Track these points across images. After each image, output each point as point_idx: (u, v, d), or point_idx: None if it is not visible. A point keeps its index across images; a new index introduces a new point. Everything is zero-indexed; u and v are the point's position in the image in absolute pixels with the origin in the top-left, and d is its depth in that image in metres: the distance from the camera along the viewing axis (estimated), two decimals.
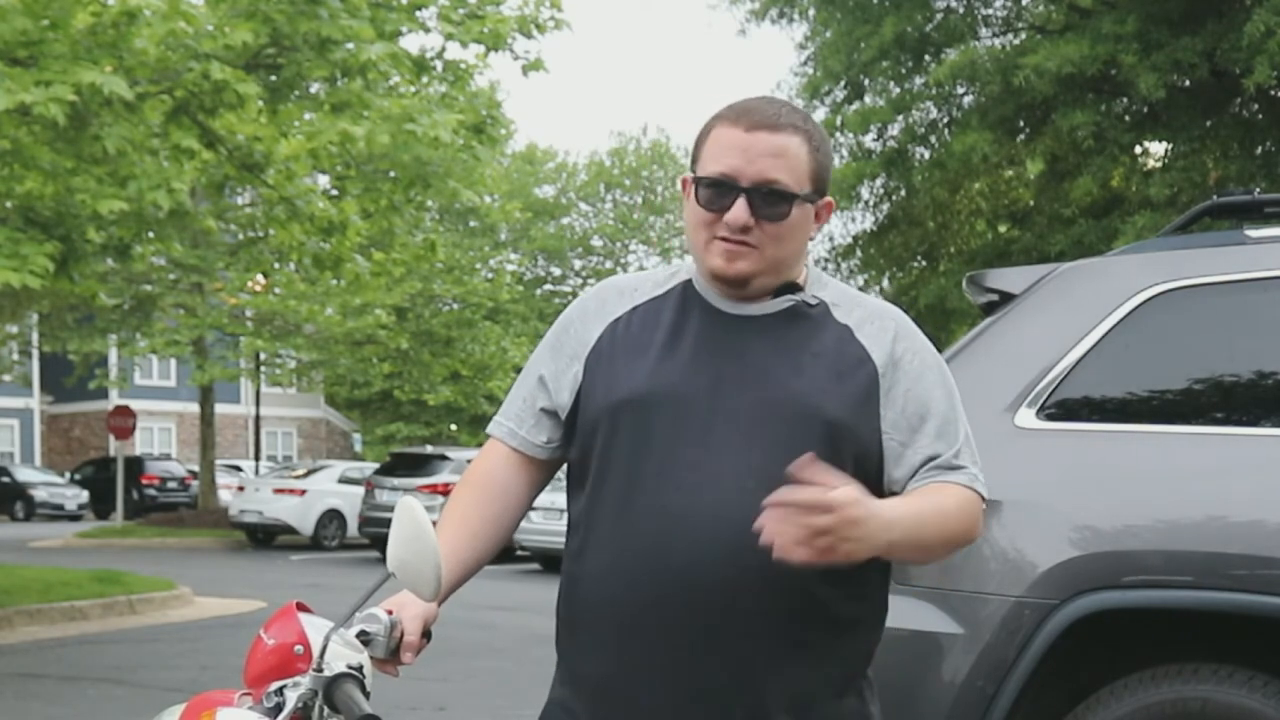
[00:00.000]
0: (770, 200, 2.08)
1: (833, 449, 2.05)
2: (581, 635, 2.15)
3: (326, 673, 1.93)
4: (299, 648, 1.97)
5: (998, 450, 3.84)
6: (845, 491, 1.88)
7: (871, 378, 2.11)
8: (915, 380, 2.13)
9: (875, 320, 2.17)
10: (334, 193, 15.62)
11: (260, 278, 27.67)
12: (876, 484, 2.10)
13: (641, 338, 2.17)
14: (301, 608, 2.03)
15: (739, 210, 2.07)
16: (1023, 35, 16.86)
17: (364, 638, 2.05)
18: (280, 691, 1.95)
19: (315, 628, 1.98)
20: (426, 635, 2.12)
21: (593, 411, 2.15)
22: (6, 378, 37.29)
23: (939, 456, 2.12)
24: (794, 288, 2.16)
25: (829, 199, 2.18)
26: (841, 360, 2.12)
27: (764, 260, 2.10)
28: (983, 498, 2.16)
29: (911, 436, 2.12)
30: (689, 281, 2.22)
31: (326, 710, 1.93)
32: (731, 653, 2.04)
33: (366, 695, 1.94)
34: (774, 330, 2.14)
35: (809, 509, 1.86)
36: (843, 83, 17.43)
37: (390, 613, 2.09)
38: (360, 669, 1.97)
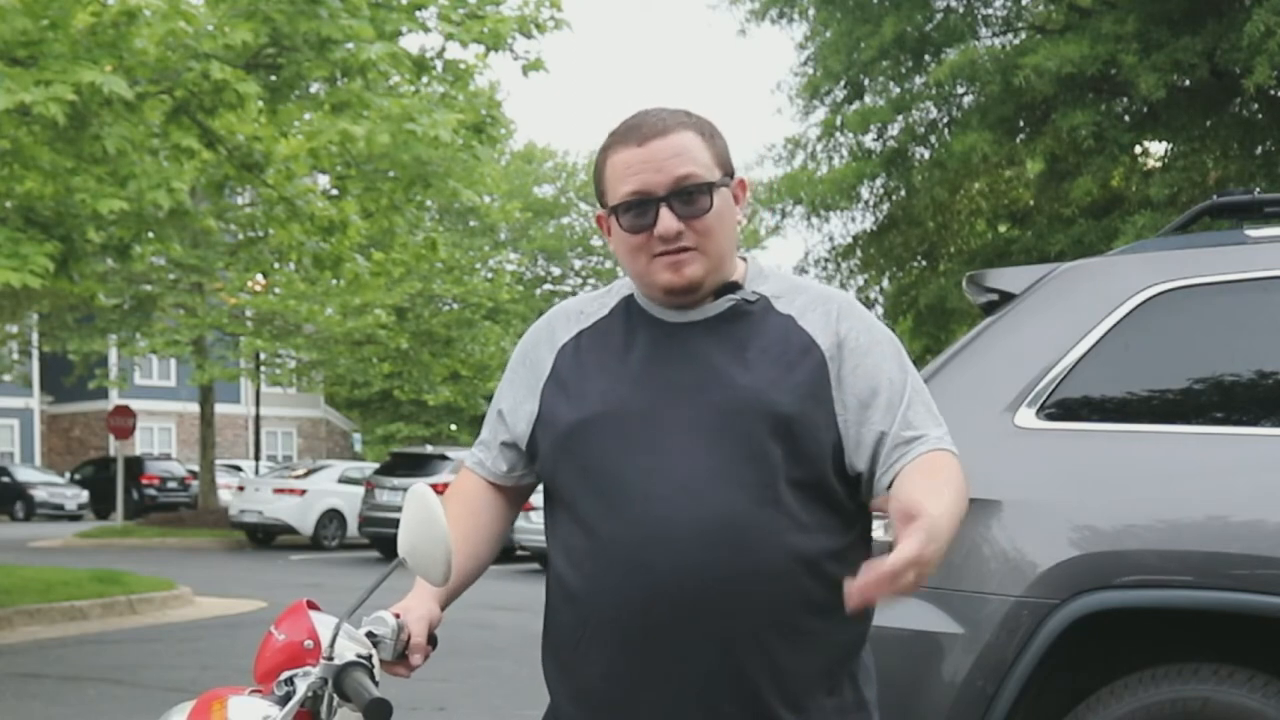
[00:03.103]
0: (690, 197, 2.09)
1: (790, 442, 2.06)
2: (567, 655, 2.16)
3: (336, 661, 1.94)
4: (309, 642, 1.99)
5: (998, 450, 3.86)
6: (905, 547, 1.82)
7: (820, 363, 2.11)
8: (862, 356, 2.12)
9: (818, 306, 2.17)
10: (334, 192, 15.61)
11: (260, 278, 27.65)
12: (840, 472, 2.10)
13: (591, 360, 2.19)
14: (312, 605, 2.05)
15: (666, 220, 2.09)
16: (1023, 35, 16.87)
17: (372, 639, 2.06)
18: (290, 681, 1.97)
19: (325, 624, 2.00)
20: (432, 641, 2.14)
21: (552, 439, 2.18)
22: (6, 378, 37.28)
23: (889, 431, 2.09)
24: (733, 286, 2.17)
25: (740, 177, 2.19)
26: (788, 351, 2.12)
27: (708, 258, 2.12)
28: (954, 454, 2.12)
29: (863, 414, 2.10)
30: (630, 297, 2.23)
31: (336, 699, 1.94)
32: (723, 654, 2.05)
33: (375, 684, 1.95)
34: (718, 332, 2.15)
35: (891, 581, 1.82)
36: (843, 83, 17.44)
37: (397, 616, 2.12)
38: (370, 658, 1.99)
